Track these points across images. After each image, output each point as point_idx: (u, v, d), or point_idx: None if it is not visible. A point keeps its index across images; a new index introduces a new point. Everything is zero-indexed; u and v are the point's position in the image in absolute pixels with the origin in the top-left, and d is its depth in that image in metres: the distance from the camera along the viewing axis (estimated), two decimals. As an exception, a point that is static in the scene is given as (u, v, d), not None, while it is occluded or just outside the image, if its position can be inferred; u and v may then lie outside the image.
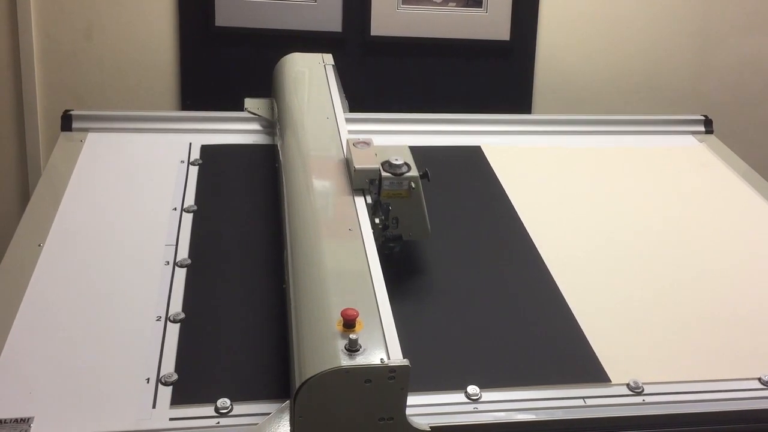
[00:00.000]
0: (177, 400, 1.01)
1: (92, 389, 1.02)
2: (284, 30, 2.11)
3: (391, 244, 1.28)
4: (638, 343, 1.18)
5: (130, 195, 1.46)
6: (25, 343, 1.09)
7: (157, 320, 1.15)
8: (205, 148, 1.63)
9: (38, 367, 1.05)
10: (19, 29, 2.04)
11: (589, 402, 1.06)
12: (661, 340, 1.19)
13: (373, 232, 1.17)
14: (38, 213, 1.39)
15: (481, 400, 1.04)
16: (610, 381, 1.10)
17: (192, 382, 1.04)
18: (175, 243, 1.32)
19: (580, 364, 1.13)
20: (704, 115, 1.90)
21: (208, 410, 1.00)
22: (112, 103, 2.13)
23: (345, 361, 0.90)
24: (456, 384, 1.06)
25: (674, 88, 2.32)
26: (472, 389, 1.05)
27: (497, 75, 2.23)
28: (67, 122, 1.68)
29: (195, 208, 1.42)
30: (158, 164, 1.56)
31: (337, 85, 1.69)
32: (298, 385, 0.90)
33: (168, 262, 1.27)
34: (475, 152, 1.71)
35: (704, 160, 1.76)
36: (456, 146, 1.74)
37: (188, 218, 1.39)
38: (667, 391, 1.09)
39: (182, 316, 1.16)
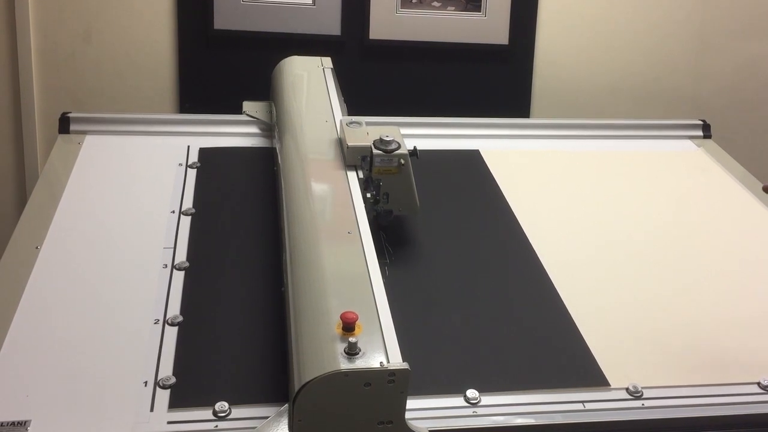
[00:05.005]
0: (175, 404, 1.01)
1: (90, 392, 1.01)
2: (283, 33, 2.11)
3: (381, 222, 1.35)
4: (637, 347, 1.18)
5: (128, 198, 1.46)
6: (23, 346, 1.09)
7: (155, 323, 1.14)
8: (203, 151, 1.63)
9: (35, 370, 1.05)
10: (18, 31, 2.04)
11: (588, 406, 1.06)
12: (661, 344, 1.19)
13: (364, 205, 1.23)
14: (36, 215, 1.38)
15: (480, 404, 1.04)
16: (610, 385, 1.10)
17: (190, 386, 1.04)
18: (173, 246, 1.32)
19: (579, 368, 1.13)
20: (702, 120, 1.90)
21: (206, 413, 0.99)
22: (110, 105, 2.12)
23: (344, 365, 0.90)
24: (455, 388, 1.06)
25: (672, 93, 2.32)
26: (471, 393, 1.05)
27: (496, 79, 2.23)
28: (64, 125, 1.68)
29: (193, 211, 1.42)
30: (156, 167, 1.56)
31: (336, 88, 1.69)
32: (297, 388, 0.90)
33: (166, 265, 1.27)
34: (474, 156, 1.71)
35: (702, 165, 1.76)
36: (454, 150, 1.74)
37: (186, 221, 1.39)
38: (666, 396, 1.08)
39: (180, 319, 1.15)
